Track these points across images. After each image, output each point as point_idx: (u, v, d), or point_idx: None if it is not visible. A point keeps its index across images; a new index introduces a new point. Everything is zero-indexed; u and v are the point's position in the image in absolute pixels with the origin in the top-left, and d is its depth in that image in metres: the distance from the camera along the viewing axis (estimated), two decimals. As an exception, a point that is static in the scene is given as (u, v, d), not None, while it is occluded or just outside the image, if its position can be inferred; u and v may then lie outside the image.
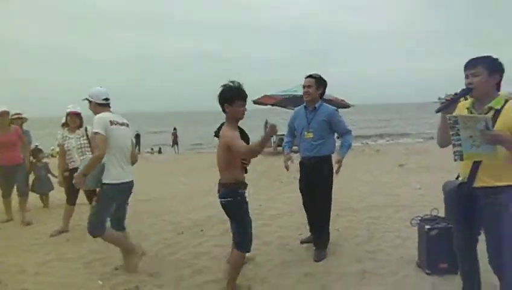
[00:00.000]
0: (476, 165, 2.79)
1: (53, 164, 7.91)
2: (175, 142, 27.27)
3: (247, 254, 3.82)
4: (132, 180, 4.12)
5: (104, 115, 3.98)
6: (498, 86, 2.78)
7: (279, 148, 17.76)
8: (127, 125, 4.24)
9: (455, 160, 2.75)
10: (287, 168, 4.65)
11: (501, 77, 2.77)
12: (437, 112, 2.82)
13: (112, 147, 3.93)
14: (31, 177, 7.03)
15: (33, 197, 7.07)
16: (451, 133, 2.67)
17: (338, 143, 4.64)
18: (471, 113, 2.81)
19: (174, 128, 28.19)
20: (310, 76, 4.51)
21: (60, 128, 6.05)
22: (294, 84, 16.91)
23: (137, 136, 28.75)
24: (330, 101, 17.69)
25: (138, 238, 5.25)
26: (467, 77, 2.78)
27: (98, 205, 4.00)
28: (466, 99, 2.93)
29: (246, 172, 3.96)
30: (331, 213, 4.61)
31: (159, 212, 6.81)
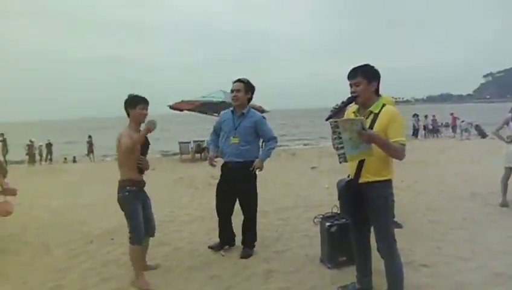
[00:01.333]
0: (360, 164, 3.09)
1: None
2: (90, 150, 26.13)
3: (155, 262, 3.98)
4: None
5: None
6: (377, 91, 3.10)
7: (197, 155, 17.79)
8: None
9: (340, 162, 3.00)
10: (213, 165, 4.68)
11: (378, 83, 3.09)
12: (327, 119, 3.06)
13: None
14: None
15: None
16: (333, 137, 2.91)
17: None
18: (357, 116, 3.08)
19: (89, 136, 27.03)
20: (239, 80, 4.54)
21: None
22: (212, 90, 17.00)
23: (49, 145, 27.22)
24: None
25: (42, 252, 5.05)
26: (350, 86, 3.06)
27: None
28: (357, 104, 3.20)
29: (142, 172, 3.95)
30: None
31: (66, 223, 6.54)
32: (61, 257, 4.85)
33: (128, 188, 3.82)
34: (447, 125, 30.73)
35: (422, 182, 8.61)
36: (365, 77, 3.03)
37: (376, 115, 3.00)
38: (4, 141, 22.45)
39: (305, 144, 29.44)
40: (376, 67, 3.11)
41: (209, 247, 4.83)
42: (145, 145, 3.92)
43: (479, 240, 4.77)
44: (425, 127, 28.54)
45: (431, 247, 4.57)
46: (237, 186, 4.55)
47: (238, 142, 4.48)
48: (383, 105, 3.04)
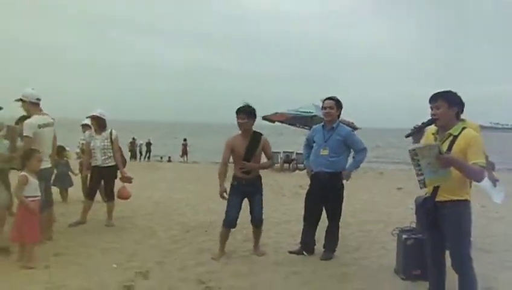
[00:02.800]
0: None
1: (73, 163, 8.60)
2: (184, 152, 27.95)
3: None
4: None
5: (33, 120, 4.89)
6: (457, 116, 3.36)
7: (286, 165, 18.37)
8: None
9: (421, 188, 3.33)
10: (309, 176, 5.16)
11: (459, 108, 3.35)
12: (406, 137, 3.42)
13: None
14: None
15: (54, 192, 7.68)
16: (412, 164, 3.24)
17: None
18: (436, 138, 3.38)
19: (184, 139, 28.91)
20: (331, 98, 5.00)
21: (82, 129, 6.77)
22: (303, 103, 17.51)
23: (148, 145, 29.53)
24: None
25: (149, 234, 5.88)
26: (431, 108, 3.37)
27: None
28: (436, 126, 3.49)
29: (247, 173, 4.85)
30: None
31: (168, 213, 7.45)
32: (164, 240, 5.64)
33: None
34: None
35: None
36: (446, 100, 3.30)
37: (455, 138, 3.26)
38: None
39: (394, 162, 28.66)
40: (459, 94, 3.38)
41: (290, 252, 5.17)
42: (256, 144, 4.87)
43: None
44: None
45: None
46: (325, 195, 4.98)
47: (327, 153, 4.89)
48: (463, 128, 3.30)
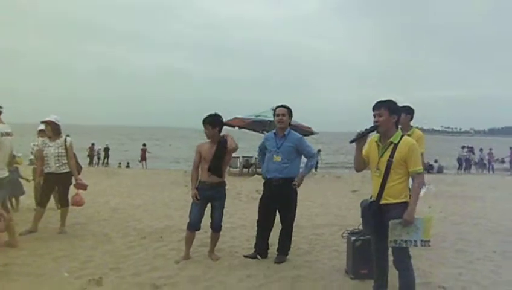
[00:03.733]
0: (382, 187, 3.58)
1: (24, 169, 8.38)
2: (143, 157, 27.54)
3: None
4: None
5: None
6: (397, 124, 3.64)
7: (245, 170, 18.50)
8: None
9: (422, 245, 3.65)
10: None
11: (398, 116, 3.64)
12: (350, 142, 3.65)
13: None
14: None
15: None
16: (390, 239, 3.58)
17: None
18: (378, 146, 3.63)
19: (144, 144, 28.53)
20: (283, 106, 5.17)
21: (38, 134, 6.62)
22: (263, 109, 17.72)
23: (106, 150, 28.96)
24: (296, 127, 18.62)
25: (104, 240, 5.83)
26: (374, 116, 3.61)
27: None
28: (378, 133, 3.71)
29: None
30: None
31: (124, 219, 7.40)
32: (120, 246, 5.60)
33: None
34: (502, 162, 29.61)
35: (460, 215, 8.73)
36: (387, 109, 3.57)
37: (396, 145, 3.52)
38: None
39: (347, 167, 29.19)
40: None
41: (245, 256, 5.26)
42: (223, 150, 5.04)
43: (504, 272, 4.91)
44: (477, 161, 27.72)
45: (452, 273, 4.85)
46: (279, 200, 5.12)
47: (280, 160, 5.05)
48: (402, 136, 3.56)
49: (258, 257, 5.21)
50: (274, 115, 5.24)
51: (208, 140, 5.12)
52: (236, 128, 18.65)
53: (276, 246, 5.26)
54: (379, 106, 3.58)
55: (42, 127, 7.22)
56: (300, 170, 5.22)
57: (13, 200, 7.77)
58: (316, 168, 21.25)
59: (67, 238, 5.89)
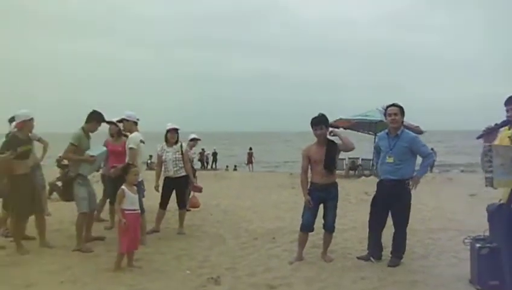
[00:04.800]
0: None
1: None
2: (250, 161, 28.37)
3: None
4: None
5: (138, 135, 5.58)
6: None
7: (351, 172, 18.18)
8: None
9: (486, 185, 3.24)
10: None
11: None
12: (477, 138, 3.36)
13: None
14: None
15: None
16: (484, 159, 3.18)
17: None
18: None
19: (250, 148, 29.37)
20: (394, 105, 5.02)
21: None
22: (366, 109, 17.26)
23: (214, 154, 30.34)
24: (406, 127, 17.88)
25: (219, 241, 6.11)
26: (507, 111, 3.29)
27: None
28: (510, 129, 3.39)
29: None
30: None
31: (236, 221, 7.69)
32: (233, 247, 5.83)
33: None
34: None
35: None
36: None
37: None
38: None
39: (461, 171, 27.21)
40: None
41: (358, 258, 5.19)
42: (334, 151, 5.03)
43: None
44: None
45: None
46: (391, 202, 4.96)
47: (393, 161, 4.90)
48: None
49: (372, 259, 5.10)
50: (385, 115, 5.11)
51: (313, 143, 5.11)
52: (341, 129, 18.42)
53: (390, 249, 5.11)
54: None
55: (194, 136, 8.46)
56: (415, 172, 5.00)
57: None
58: (431, 167, 20.11)
59: (186, 238, 6.28)
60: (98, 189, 6.59)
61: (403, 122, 5.07)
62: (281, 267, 4.91)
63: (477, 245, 4.32)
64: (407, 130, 5.08)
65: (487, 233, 4.52)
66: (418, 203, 9.40)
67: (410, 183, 4.89)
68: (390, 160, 4.92)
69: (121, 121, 5.98)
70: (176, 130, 6.64)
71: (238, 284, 4.36)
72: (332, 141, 5.06)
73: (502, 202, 3.43)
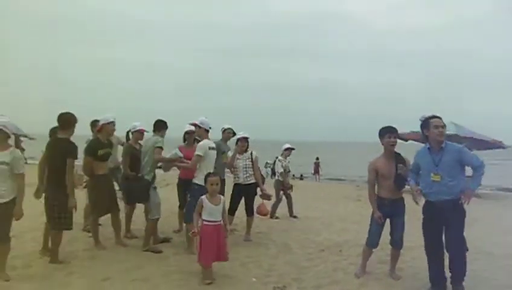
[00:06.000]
0: None
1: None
2: (316, 170, 28.11)
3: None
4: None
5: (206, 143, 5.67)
6: None
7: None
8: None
9: None
10: (417, 202, 4.64)
11: None
12: None
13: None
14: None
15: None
16: None
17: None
18: None
19: (317, 158, 29.09)
20: (437, 116, 4.53)
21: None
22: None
23: (274, 163, 30.29)
24: (480, 141, 16.84)
25: (285, 250, 6.11)
26: None
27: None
28: None
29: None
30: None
31: (303, 230, 7.67)
32: (300, 257, 5.81)
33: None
34: None
35: None
36: None
37: None
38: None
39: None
40: None
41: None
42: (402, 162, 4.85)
43: None
44: None
45: None
46: (446, 225, 4.45)
47: (440, 179, 4.39)
48: None
49: None
50: (425, 127, 4.54)
51: (380, 155, 4.95)
52: (410, 141, 17.74)
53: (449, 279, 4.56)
54: None
55: (288, 145, 9.33)
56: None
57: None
58: None
59: (252, 245, 6.33)
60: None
61: None
62: (348, 281, 4.84)
63: None
64: (451, 142, 4.54)
65: None
66: (499, 227, 8.81)
67: (463, 198, 4.33)
68: (437, 178, 4.40)
69: (194, 125, 6.14)
70: (246, 138, 6.77)
71: (304, 295, 4.33)
72: (399, 154, 4.87)
73: None
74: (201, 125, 5.84)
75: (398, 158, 4.86)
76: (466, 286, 4.60)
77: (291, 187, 9.52)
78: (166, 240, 6.18)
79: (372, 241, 4.96)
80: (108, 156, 5.86)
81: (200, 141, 5.86)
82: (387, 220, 4.96)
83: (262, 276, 4.91)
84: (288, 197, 9.35)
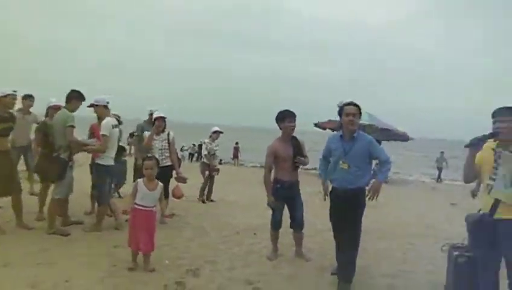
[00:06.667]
0: (497, 201, 3.28)
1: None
2: (235, 155, 28.35)
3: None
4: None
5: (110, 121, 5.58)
6: None
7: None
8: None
9: (488, 193, 3.32)
10: (325, 199, 4.64)
11: None
12: (465, 146, 3.37)
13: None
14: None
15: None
16: (493, 166, 3.26)
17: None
18: (495, 153, 3.31)
19: (236, 143, 29.28)
20: (352, 104, 4.35)
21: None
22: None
23: (200, 146, 30.18)
24: (390, 132, 17.97)
25: (200, 233, 6.10)
26: (494, 122, 3.30)
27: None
28: (495, 141, 3.41)
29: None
30: (371, 236, 5.00)
31: (219, 214, 7.74)
32: (215, 239, 5.85)
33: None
34: None
35: None
36: None
37: None
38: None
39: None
40: None
41: (332, 273, 4.64)
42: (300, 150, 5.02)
43: None
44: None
45: None
46: (346, 213, 4.33)
47: (348, 167, 4.29)
48: None
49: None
50: (341, 114, 4.36)
51: (277, 139, 5.08)
52: (328, 130, 18.46)
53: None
54: (503, 112, 3.27)
55: (216, 129, 9.18)
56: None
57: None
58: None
59: (167, 228, 6.22)
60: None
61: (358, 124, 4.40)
62: (261, 263, 4.95)
63: (455, 253, 4.35)
64: (363, 133, 4.42)
65: (465, 242, 4.58)
66: (401, 209, 9.56)
67: (369, 191, 4.23)
68: (345, 166, 4.30)
69: (91, 106, 5.87)
70: (163, 118, 6.62)
71: (217, 278, 4.37)
72: (295, 137, 5.03)
73: (481, 212, 3.44)
74: (98, 104, 5.69)
75: (294, 141, 5.02)
76: (372, 259, 5.09)
77: (217, 170, 9.48)
78: (77, 223, 5.90)
79: (275, 223, 5.16)
80: (7, 131, 5.39)
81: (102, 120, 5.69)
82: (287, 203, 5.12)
83: (176, 259, 4.87)
84: (211, 181, 9.33)
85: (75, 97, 5.53)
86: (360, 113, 4.37)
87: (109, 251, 4.88)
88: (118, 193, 8.40)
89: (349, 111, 4.28)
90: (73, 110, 5.50)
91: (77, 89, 5.60)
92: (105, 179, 5.69)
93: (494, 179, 3.22)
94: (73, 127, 5.37)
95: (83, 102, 5.64)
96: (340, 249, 4.45)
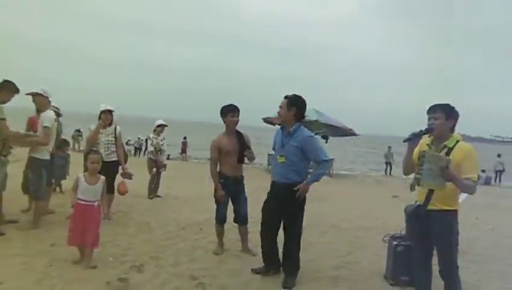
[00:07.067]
0: (430, 192, 3.45)
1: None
2: (183, 150, 28.04)
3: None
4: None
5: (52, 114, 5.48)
6: (452, 129, 3.50)
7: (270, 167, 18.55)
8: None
9: (411, 188, 3.49)
10: None
11: (455, 121, 3.49)
12: (404, 141, 3.53)
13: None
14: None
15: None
16: (419, 162, 3.49)
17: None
18: (430, 148, 3.49)
19: (184, 137, 28.97)
20: (286, 97, 4.29)
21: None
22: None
23: (147, 141, 29.57)
24: (337, 128, 18.39)
25: (145, 229, 5.97)
26: (429, 119, 3.48)
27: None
28: (430, 136, 3.59)
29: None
30: (316, 230, 5.12)
31: (165, 209, 7.60)
32: (159, 235, 5.72)
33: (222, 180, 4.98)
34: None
35: (510, 227, 8.41)
36: (444, 113, 3.44)
37: (450, 150, 3.39)
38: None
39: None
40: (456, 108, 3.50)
41: (252, 270, 4.57)
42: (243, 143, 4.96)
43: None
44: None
45: (502, 288, 4.69)
46: (281, 208, 4.33)
47: (284, 161, 4.26)
48: (457, 141, 3.42)
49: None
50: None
51: (222, 133, 5.06)
52: (277, 125, 18.61)
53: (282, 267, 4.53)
54: (436, 109, 3.46)
55: (161, 122, 8.93)
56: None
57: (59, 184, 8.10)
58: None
59: (111, 224, 6.02)
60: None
61: (297, 117, 4.27)
62: (207, 258, 4.91)
63: (394, 243, 4.58)
64: (303, 128, 4.31)
65: (403, 232, 4.79)
66: (346, 203, 9.84)
67: (298, 190, 4.17)
68: (282, 160, 4.27)
69: (34, 94, 5.55)
70: (110, 111, 6.39)
71: (161, 274, 4.29)
72: (239, 131, 5.03)
73: (418, 203, 3.62)
74: (45, 94, 5.52)
75: (239, 135, 5.01)
76: (317, 252, 5.23)
77: (164, 166, 9.28)
78: (12, 222, 5.58)
79: (220, 217, 5.12)
80: None
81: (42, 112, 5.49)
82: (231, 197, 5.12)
83: (120, 255, 4.73)
84: (158, 177, 9.12)
85: (6, 87, 5.19)
86: (293, 105, 4.23)
87: (47, 249, 4.67)
88: (60, 188, 8.09)
89: (281, 104, 4.30)
90: (3, 102, 5.10)
91: (10, 79, 5.25)
92: (41, 174, 5.42)
93: (420, 174, 3.44)
94: (3, 119, 4.97)
95: (16, 94, 5.29)
96: (263, 239, 4.56)
